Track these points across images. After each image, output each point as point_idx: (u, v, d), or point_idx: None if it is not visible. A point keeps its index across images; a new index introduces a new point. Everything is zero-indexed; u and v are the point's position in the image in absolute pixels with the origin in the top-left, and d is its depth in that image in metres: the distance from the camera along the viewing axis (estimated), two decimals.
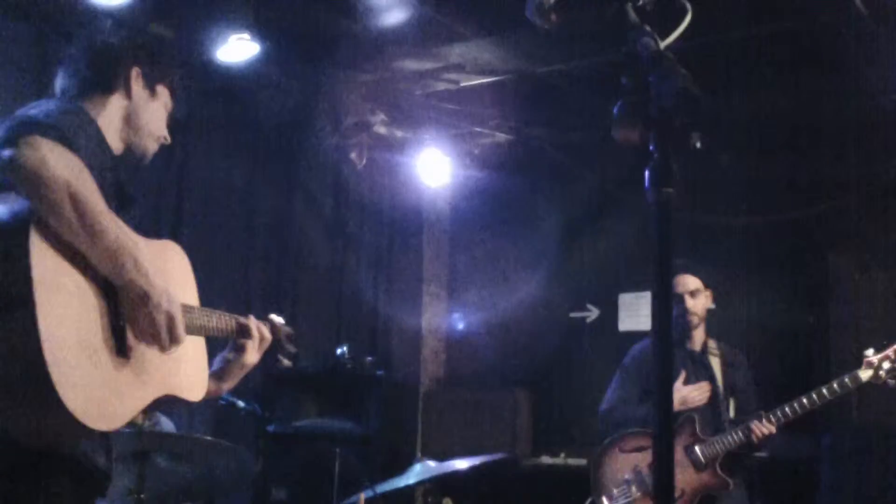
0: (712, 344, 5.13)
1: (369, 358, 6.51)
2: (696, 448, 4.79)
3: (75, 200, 2.18)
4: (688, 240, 6.03)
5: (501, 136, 6.98)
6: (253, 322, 3.00)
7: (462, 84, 6.14)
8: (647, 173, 1.33)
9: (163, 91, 2.80)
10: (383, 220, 7.55)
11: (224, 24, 5.10)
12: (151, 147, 2.79)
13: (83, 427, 2.15)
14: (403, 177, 7.11)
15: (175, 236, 5.81)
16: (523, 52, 5.67)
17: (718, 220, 6.20)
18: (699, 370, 5.01)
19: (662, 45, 1.73)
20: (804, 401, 4.67)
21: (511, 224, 7.45)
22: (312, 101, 5.94)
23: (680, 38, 1.93)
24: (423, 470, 4.41)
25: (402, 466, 4.57)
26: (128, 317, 2.36)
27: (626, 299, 6.95)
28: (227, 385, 2.98)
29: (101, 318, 2.30)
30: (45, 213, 2.18)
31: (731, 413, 5.00)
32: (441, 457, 4.78)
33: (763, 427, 4.70)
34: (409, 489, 4.67)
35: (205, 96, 5.81)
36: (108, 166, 2.57)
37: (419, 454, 6.35)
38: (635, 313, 6.87)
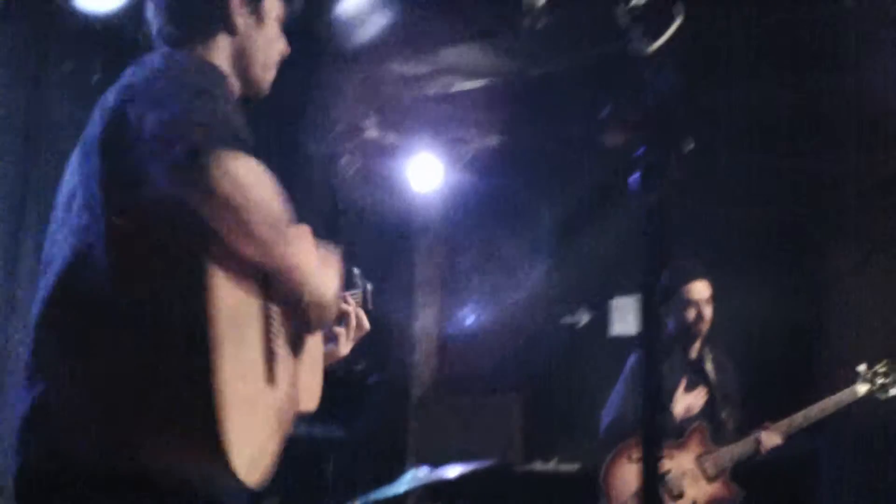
0: (706, 350, 5.13)
1: (361, 364, 6.48)
2: (707, 459, 4.81)
3: (268, 223, 1.96)
4: (684, 234, 6.02)
5: (494, 140, 6.96)
6: (352, 307, 2.69)
7: (454, 88, 6.11)
8: (636, 176, 1.31)
9: (271, 5, 2.38)
10: (375, 225, 7.53)
11: None
12: (268, 77, 2.42)
13: (239, 483, 1.95)
14: (395, 182, 7.09)
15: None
16: (515, 54, 5.64)
17: (716, 214, 6.18)
18: (697, 377, 5.02)
19: (653, 46, 1.71)
20: (809, 413, 4.74)
21: (503, 228, 7.43)
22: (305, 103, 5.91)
23: (676, 35, 1.92)
24: (415, 477, 4.39)
25: (395, 473, 4.55)
26: (292, 330, 2.19)
27: (618, 303, 6.93)
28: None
29: (261, 343, 2.09)
30: (232, 238, 1.94)
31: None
32: (434, 463, 4.75)
33: (772, 438, 4.75)
34: (402, 497, 4.65)
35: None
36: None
37: (412, 461, 6.33)
38: (627, 318, 6.86)
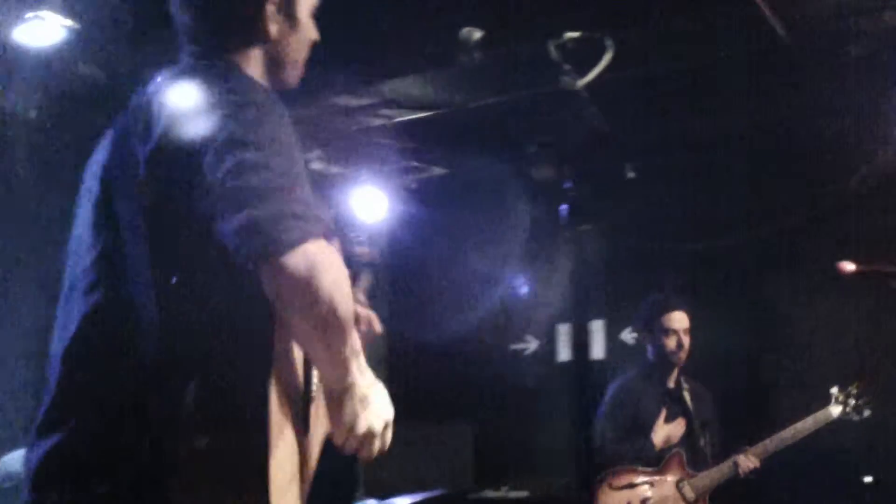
0: (682, 380, 5.24)
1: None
2: (686, 483, 4.89)
3: (335, 317, 1.78)
4: (634, 267, 6.11)
5: (438, 171, 7.01)
6: (360, 307, 2.48)
7: (397, 119, 6.16)
8: (565, 208, 1.35)
9: (303, 7, 2.20)
10: None
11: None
12: (297, 74, 2.25)
13: None
14: (340, 213, 7.09)
15: None
16: (455, 87, 5.71)
17: (664, 246, 6.28)
18: (676, 406, 5.14)
19: (582, 82, 1.75)
20: (784, 436, 4.85)
21: (449, 257, 7.46)
22: None
23: (615, 70, 1.97)
24: None
25: None
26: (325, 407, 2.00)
27: (565, 330, 6.97)
28: None
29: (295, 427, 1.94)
30: (297, 330, 1.83)
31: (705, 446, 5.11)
32: (382, 494, 4.75)
33: (749, 461, 4.86)
34: None
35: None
36: None
37: (360, 493, 6.30)
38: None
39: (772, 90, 5.46)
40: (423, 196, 7.24)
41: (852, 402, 4.93)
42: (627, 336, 6.50)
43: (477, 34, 2.19)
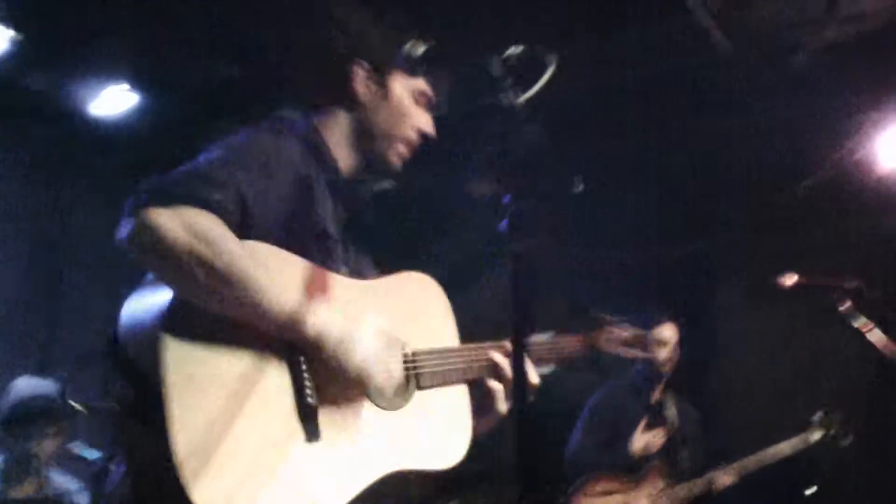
0: (668, 395, 5.26)
1: None
2: (663, 495, 4.91)
3: (204, 265, 1.87)
4: (577, 278, 6.12)
5: (386, 184, 6.98)
6: (503, 359, 2.37)
7: None
8: (504, 224, 1.35)
9: (401, 80, 2.32)
10: None
11: (102, 74, 5.01)
12: (393, 153, 2.37)
13: None
14: None
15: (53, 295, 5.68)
16: None
17: (606, 257, 6.32)
18: (657, 420, 5.17)
19: (523, 97, 1.77)
20: (762, 457, 4.89)
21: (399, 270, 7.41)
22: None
23: (556, 85, 1.98)
24: None
25: None
26: (316, 382, 1.99)
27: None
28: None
29: (280, 399, 1.95)
30: (182, 292, 1.90)
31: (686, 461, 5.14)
32: None
33: (724, 478, 4.89)
34: None
35: (83, 149, 5.68)
36: (336, 188, 2.25)
37: None
38: None
39: (716, 102, 5.52)
40: (373, 209, 7.19)
41: (833, 429, 4.96)
42: None
43: (421, 48, 2.21)
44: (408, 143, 2.38)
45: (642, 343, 2.82)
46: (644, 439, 4.99)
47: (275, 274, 1.96)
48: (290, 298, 1.96)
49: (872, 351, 3.90)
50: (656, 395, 5.27)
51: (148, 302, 1.94)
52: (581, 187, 6.21)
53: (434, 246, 7.26)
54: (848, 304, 3.95)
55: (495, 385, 2.36)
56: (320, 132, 2.29)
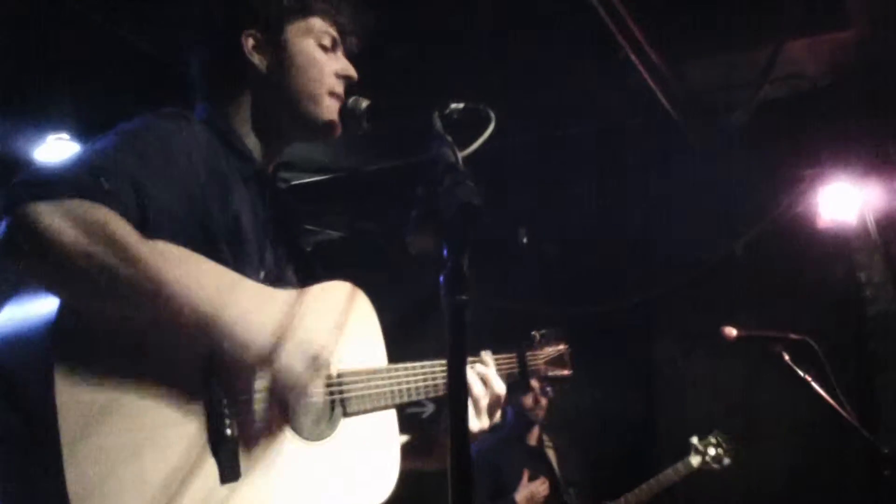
0: (545, 437, 5.25)
1: None
2: None
3: (104, 268, 1.58)
4: (511, 330, 6.12)
5: (335, 233, 6.99)
6: (480, 371, 2.24)
7: (293, 182, 6.14)
8: (441, 280, 1.36)
9: (297, 29, 2.07)
10: None
11: (43, 123, 4.98)
12: (323, 110, 2.09)
13: None
14: None
15: None
16: (353, 150, 5.74)
17: (542, 310, 6.35)
18: (539, 465, 5.13)
19: (464, 153, 1.78)
20: (646, 487, 4.90)
21: None
22: None
23: (497, 140, 2.00)
24: None
25: None
26: (235, 410, 1.73)
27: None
28: (432, 465, 2.21)
29: (190, 429, 1.68)
30: (74, 299, 1.59)
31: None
32: None
33: None
34: None
35: None
36: (252, 181, 2.01)
37: None
38: None
39: (657, 156, 5.62)
40: (319, 258, 7.18)
41: (712, 451, 5.02)
42: None
43: (364, 103, 2.20)
44: (332, 93, 2.10)
45: (563, 360, 2.73)
46: (529, 489, 4.97)
47: (187, 278, 1.68)
48: (208, 306, 1.69)
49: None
50: (533, 441, 5.26)
51: (29, 313, 1.62)
52: (526, 239, 6.25)
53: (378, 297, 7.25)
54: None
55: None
56: (228, 119, 2.05)
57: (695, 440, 5.06)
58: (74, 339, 1.58)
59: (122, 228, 1.63)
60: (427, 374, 2.20)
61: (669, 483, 4.98)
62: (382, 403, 2.10)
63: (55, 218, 1.57)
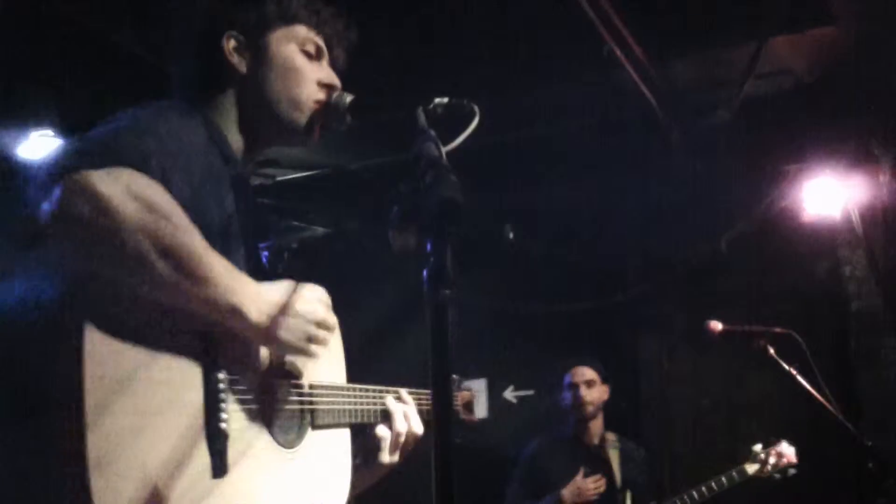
0: (611, 437, 5.25)
1: None
2: None
3: (153, 237, 1.61)
4: (497, 329, 6.13)
5: (319, 230, 6.98)
6: (397, 405, 2.26)
7: (278, 178, 6.13)
8: (424, 275, 1.36)
9: (281, 36, 2.11)
10: None
11: (26, 119, 4.95)
12: (301, 116, 2.10)
13: None
14: None
15: None
16: (338, 147, 5.72)
17: (527, 308, 6.35)
18: (596, 463, 5.10)
19: (447, 148, 1.77)
20: (695, 494, 4.80)
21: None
22: None
23: (484, 135, 2.00)
24: None
25: None
26: (232, 404, 1.76)
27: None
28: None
29: (191, 417, 1.69)
30: (110, 269, 1.61)
31: None
32: None
33: None
34: None
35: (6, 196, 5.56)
36: (233, 178, 2.01)
37: None
38: None
39: (643, 154, 5.62)
40: (304, 255, 7.16)
41: (772, 460, 4.82)
42: (510, 395, 6.48)
43: (347, 98, 2.20)
44: (312, 100, 2.12)
45: (467, 406, 2.72)
46: (576, 485, 4.95)
47: (223, 265, 1.73)
48: (238, 286, 1.74)
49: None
50: (594, 440, 5.25)
51: (33, 287, 1.61)
52: (511, 235, 6.25)
53: (363, 295, 7.24)
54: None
55: (383, 433, 2.23)
56: (212, 117, 2.06)
57: (758, 447, 4.85)
58: (96, 313, 1.57)
59: (171, 200, 1.68)
60: (377, 398, 2.25)
61: (722, 489, 4.85)
62: (344, 421, 2.13)
63: (112, 186, 1.60)
